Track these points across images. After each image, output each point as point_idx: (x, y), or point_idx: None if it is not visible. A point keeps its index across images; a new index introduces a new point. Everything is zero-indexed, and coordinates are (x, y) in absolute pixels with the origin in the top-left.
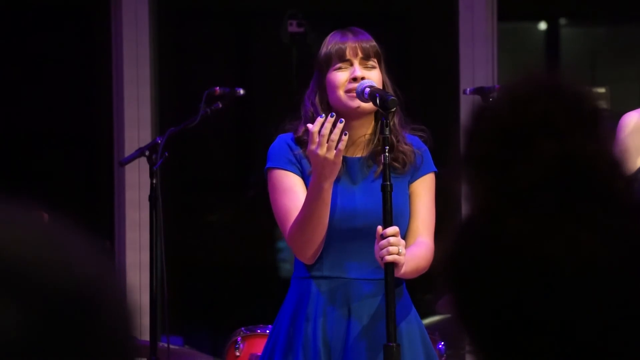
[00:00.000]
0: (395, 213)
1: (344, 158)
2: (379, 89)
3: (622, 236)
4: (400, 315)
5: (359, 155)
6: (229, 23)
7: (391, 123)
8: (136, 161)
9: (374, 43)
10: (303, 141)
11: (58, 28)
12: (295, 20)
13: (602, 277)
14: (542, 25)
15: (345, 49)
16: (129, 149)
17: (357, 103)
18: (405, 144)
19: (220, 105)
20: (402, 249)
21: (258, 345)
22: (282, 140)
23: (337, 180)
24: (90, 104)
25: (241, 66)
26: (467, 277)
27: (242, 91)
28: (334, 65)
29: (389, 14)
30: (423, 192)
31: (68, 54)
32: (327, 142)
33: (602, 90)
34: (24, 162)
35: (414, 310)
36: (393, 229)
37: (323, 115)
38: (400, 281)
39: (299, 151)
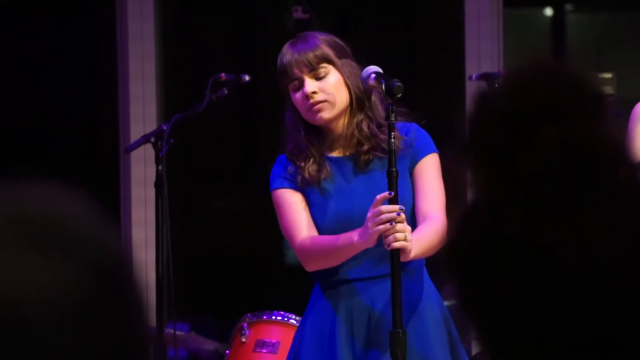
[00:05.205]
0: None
1: (334, 158)
2: (384, 74)
3: (627, 224)
4: (421, 297)
5: (341, 155)
6: (234, 9)
7: (370, 113)
8: (141, 149)
9: (318, 50)
10: (294, 155)
11: (64, 21)
12: (300, 6)
13: (606, 266)
14: (548, 11)
15: (290, 68)
16: (135, 132)
17: (319, 120)
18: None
19: (226, 92)
20: (408, 235)
21: (264, 331)
22: (278, 161)
23: (331, 183)
24: (96, 87)
25: (246, 53)
26: (469, 265)
27: (247, 77)
28: (289, 84)
29: (394, 0)
30: (425, 172)
31: (75, 41)
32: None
33: (608, 75)
34: (30, 154)
35: (435, 291)
36: (393, 207)
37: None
38: (420, 265)
39: (292, 166)
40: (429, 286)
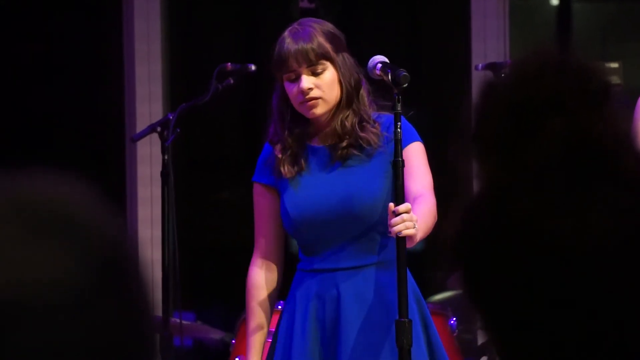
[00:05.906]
0: (358, 196)
1: (314, 147)
2: (390, 64)
3: (632, 214)
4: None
5: (322, 144)
6: None
7: (356, 107)
8: (148, 137)
9: (315, 43)
10: (274, 143)
11: (69, 1)
12: None
13: (611, 255)
14: (554, 1)
15: (288, 59)
16: (141, 123)
17: (311, 115)
18: (372, 127)
19: (232, 82)
20: (416, 224)
21: None
22: (265, 149)
23: (306, 175)
24: (101, 80)
25: (252, 42)
26: (474, 256)
27: (253, 67)
28: (284, 75)
29: None
30: (410, 157)
31: (80, 31)
32: None
33: (615, 65)
34: (35, 140)
35: (413, 284)
36: (405, 206)
37: None
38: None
39: (272, 157)
40: (408, 278)
